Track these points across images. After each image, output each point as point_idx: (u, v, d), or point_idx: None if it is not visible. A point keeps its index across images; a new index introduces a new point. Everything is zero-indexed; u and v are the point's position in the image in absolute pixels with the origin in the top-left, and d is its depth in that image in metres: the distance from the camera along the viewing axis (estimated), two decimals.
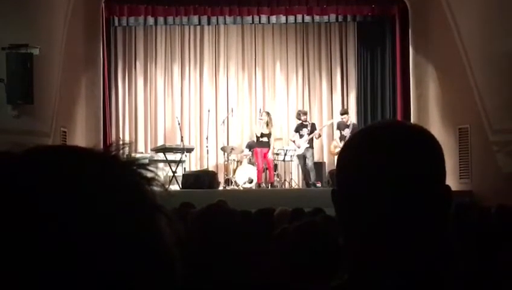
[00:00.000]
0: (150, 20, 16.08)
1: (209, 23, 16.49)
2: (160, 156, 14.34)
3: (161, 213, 0.76)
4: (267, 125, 14.75)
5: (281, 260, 2.96)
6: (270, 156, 14.75)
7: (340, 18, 16.63)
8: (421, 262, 1.28)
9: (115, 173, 0.76)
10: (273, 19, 16.41)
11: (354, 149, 1.35)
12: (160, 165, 13.93)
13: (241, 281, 3.02)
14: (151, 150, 15.43)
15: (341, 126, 15.06)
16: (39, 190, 0.70)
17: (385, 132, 1.36)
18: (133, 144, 14.91)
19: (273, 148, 15.29)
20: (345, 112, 15.48)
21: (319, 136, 15.67)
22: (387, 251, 1.28)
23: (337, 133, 15.23)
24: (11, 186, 0.70)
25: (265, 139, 14.69)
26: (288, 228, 3.08)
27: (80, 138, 13.75)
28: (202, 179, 13.59)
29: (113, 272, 0.70)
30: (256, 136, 14.86)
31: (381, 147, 1.31)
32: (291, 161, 15.53)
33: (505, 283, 3.64)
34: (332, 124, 16.28)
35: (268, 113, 15.14)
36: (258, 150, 14.70)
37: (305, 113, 15.35)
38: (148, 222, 0.74)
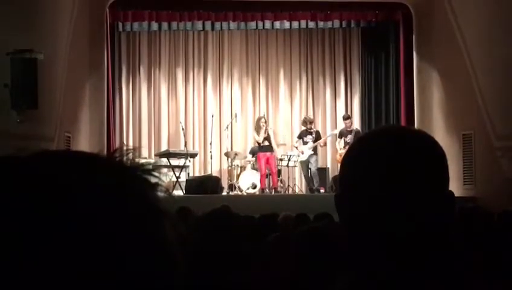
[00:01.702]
0: (154, 25, 16.10)
1: (213, 29, 16.51)
2: (164, 161, 14.34)
3: (165, 217, 0.77)
4: (266, 129, 14.79)
5: (284, 264, 2.97)
6: (272, 158, 14.70)
7: (344, 24, 16.64)
8: (423, 267, 1.28)
9: (120, 178, 0.76)
10: (277, 24, 16.42)
11: (356, 155, 1.36)
12: (164, 170, 13.93)
13: (243, 284, 3.02)
14: (155, 155, 15.44)
15: (344, 133, 15.04)
16: (43, 195, 0.71)
17: (388, 137, 1.36)
18: (138, 149, 14.91)
19: (276, 152, 15.31)
20: (347, 117, 15.47)
21: (324, 144, 15.66)
22: (390, 256, 1.28)
23: (340, 141, 15.15)
24: (15, 191, 0.71)
25: (266, 143, 14.71)
26: (293, 233, 3.09)
27: (84, 142, 13.76)
28: (206, 185, 13.59)
29: (117, 275, 0.71)
30: (258, 142, 14.82)
31: (384, 153, 1.31)
32: (295, 166, 15.53)
33: (508, 285, 3.64)
34: (336, 134, 16.28)
35: (265, 119, 15.21)
36: (261, 154, 14.70)
37: (311, 122, 15.32)
38: (152, 226, 0.75)
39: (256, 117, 15.96)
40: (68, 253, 0.69)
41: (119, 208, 0.73)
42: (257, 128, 14.93)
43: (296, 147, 15.16)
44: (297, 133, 16.01)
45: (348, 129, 14.96)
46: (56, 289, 0.68)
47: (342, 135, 15.13)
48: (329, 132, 16.48)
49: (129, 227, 0.73)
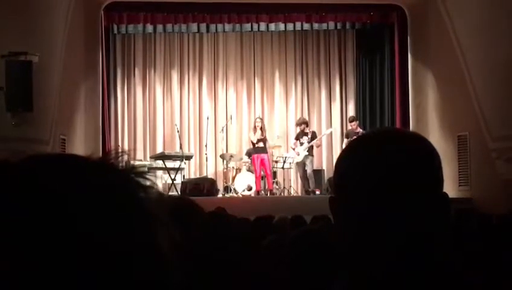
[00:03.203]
0: (149, 27, 16.11)
1: (208, 31, 16.52)
2: (159, 163, 14.33)
3: (158, 221, 0.77)
4: (262, 130, 14.80)
5: (280, 267, 2.96)
6: (266, 159, 14.72)
7: (339, 26, 16.67)
8: (419, 270, 1.28)
9: (112, 181, 0.76)
10: (272, 26, 16.43)
11: (351, 157, 1.36)
12: (159, 172, 13.93)
13: (239, 288, 3.02)
14: (150, 157, 15.43)
15: (350, 134, 14.89)
16: (37, 199, 0.70)
17: (383, 140, 1.36)
18: (132, 151, 14.91)
19: (272, 155, 15.34)
20: (353, 119, 15.45)
21: (318, 145, 15.66)
22: (385, 259, 1.28)
23: (346, 142, 15.06)
24: (9, 195, 0.71)
25: (261, 144, 14.73)
26: (289, 235, 3.08)
27: (79, 145, 13.74)
28: (201, 187, 13.59)
29: (110, 279, 0.71)
30: (253, 142, 14.86)
31: (379, 155, 1.31)
32: (290, 168, 15.53)
33: (504, 286, 3.64)
34: (331, 133, 16.28)
35: (262, 119, 15.23)
36: (255, 156, 14.71)
37: (306, 122, 15.31)
38: (144, 229, 0.75)
39: (253, 118, 15.99)
40: (59, 255, 0.69)
41: (111, 210, 0.73)
42: (253, 129, 14.99)
43: (294, 149, 15.16)
44: (292, 134, 16.06)
45: (355, 131, 14.86)
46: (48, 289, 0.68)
47: (348, 136, 15.03)
48: (323, 132, 16.47)
49: (120, 229, 0.73)
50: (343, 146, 15.12)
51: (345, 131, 16.22)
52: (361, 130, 15.02)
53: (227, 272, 3.00)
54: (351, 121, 15.38)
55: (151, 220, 0.76)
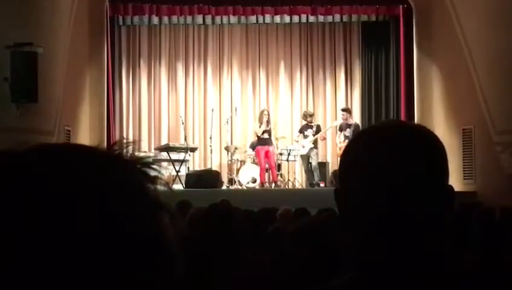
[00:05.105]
0: (154, 19, 16.08)
1: (213, 23, 16.50)
2: (164, 155, 14.34)
3: (164, 211, 0.77)
4: (268, 122, 14.78)
5: (282, 259, 2.97)
6: (271, 152, 14.70)
7: (345, 18, 16.62)
8: (423, 261, 1.28)
9: (119, 172, 0.76)
10: (277, 18, 16.40)
11: (356, 149, 1.36)
12: (164, 164, 13.94)
13: (241, 280, 3.03)
14: (155, 149, 15.44)
15: (342, 126, 14.98)
16: (43, 188, 0.71)
17: (388, 132, 1.36)
18: (137, 142, 14.91)
19: (277, 147, 15.32)
20: (344, 109, 15.43)
21: (324, 138, 15.64)
22: (389, 251, 1.28)
23: (340, 134, 15.09)
24: (15, 184, 0.71)
25: (266, 135, 14.70)
26: (291, 226, 3.08)
27: (84, 136, 13.76)
28: (205, 179, 13.59)
29: (115, 269, 0.71)
30: (257, 134, 14.83)
31: (384, 147, 1.31)
32: (295, 160, 15.52)
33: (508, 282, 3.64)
34: (337, 126, 16.29)
35: (268, 112, 15.22)
36: (260, 148, 14.69)
37: (311, 115, 15.31)
38: (151, 220, 0.75)
39: (258, 110, 15.98)
40: (65, 248, 0.69)
41: (118, 201, 0.73)
42: (259, 120, 14.94)
43: (297, 142, 15.16)
44: (297, 126, 16.04)
45: (347, 123, 14.89)
46: (53, 285, 0.68)
47: (341, 128, 15.09)
48: (329, 125, 16.46)
49: (128, 221, 0.73)
50: (338, 139, 15.12)
51: None
52: (353, 122, 15.04)
53: (230, 263, 3.00)
54: (341, 111, 15.38)
55: (159, 211, 0.76)
